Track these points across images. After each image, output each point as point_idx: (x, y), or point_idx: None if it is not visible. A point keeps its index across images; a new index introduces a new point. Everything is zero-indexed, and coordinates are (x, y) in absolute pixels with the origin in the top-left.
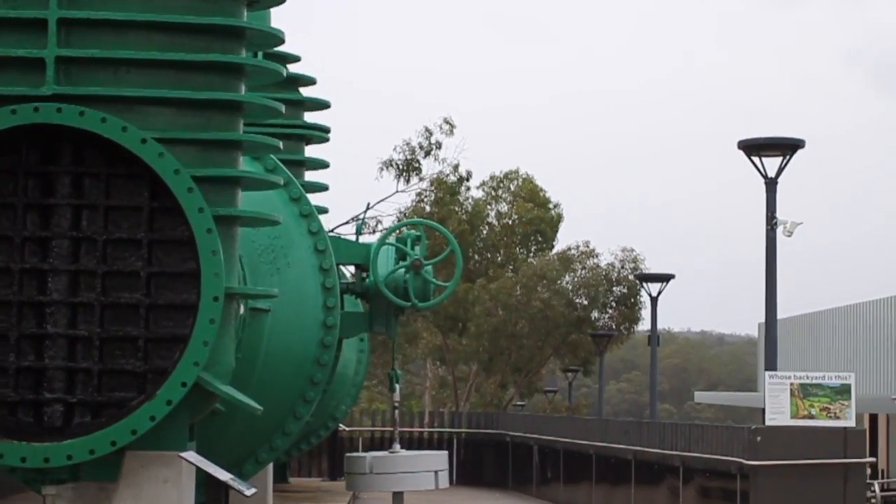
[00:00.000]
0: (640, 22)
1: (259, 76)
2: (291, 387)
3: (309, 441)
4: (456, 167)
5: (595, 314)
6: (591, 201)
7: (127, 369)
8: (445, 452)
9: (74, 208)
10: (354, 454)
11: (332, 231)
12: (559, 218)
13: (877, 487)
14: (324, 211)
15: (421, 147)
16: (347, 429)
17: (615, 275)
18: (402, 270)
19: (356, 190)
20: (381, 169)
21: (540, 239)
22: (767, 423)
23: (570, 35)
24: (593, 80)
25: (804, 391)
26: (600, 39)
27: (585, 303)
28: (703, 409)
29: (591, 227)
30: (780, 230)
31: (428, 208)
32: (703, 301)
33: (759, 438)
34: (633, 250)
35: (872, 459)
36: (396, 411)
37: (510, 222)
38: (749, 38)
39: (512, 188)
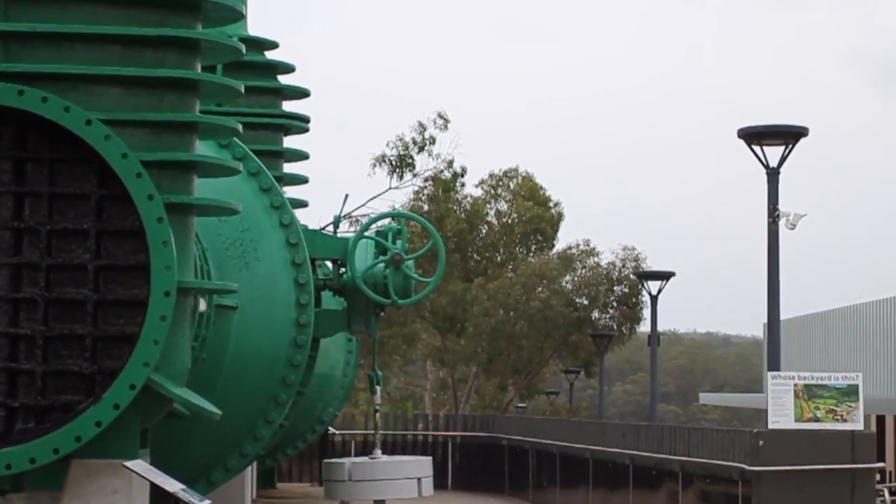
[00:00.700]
0: (641, 21)
1: (216, 53)
2: (262, 389)
3: (295, 445)
4: (450, 163)
5: (596, 314)
6: (592, 200)
7: (73, 370)
8: (429, 458)
9: (16, 196)
10: (333, 460)
11: (323, 229)
12: (559, 217)
13: (886, 493)
14: (303, 204)
15: (414, 142)
16: (338, 432)
17: (616, 274)
18: (382, 265)
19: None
20: (374, 165)
21: (540, 238)
22: (770, 426)
23: (568, 35)
24: (593, 80)
25: (809, 392)
26: (599, 39)
27: (586, 303)
28: (710, 411)
29: (591, 225)
30: (782, 223)
31: (426, 206)
32: (709, 302)
33: (761, 443)
34: (634, 249)
35: (882, 465)
36: (377, 414)
37: (510, 221)
38: (750, 37)
39: (511, 186)
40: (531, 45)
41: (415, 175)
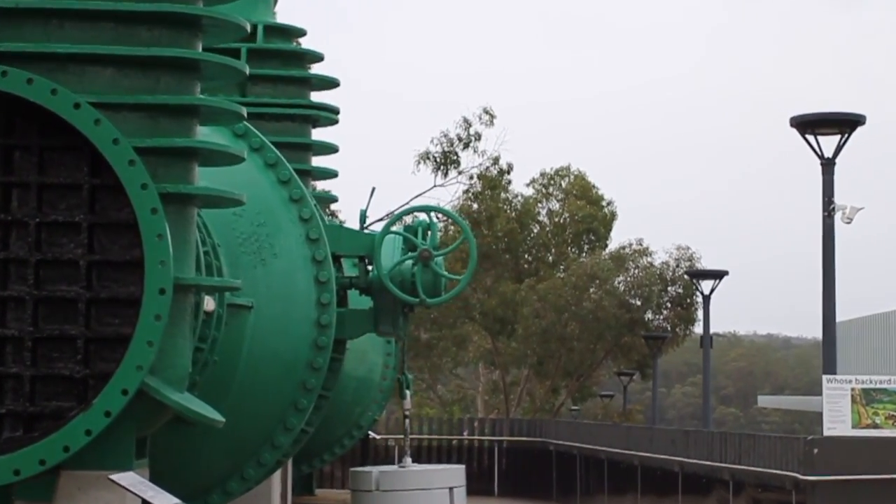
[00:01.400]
0: (691, 12)
1: (220, 32)
2: (280, 394)
3: (332, 451)
4: (496, 160)
5: (649, 315)
6: (645, 197)
7: (64, 375)
8: (462, 466)
9: (2, 186)
10: (359, 469)
11: (366, 227)
12: (612, 216)
13: None
14: (333, 199)
15: (459, 139)
16: (379, 436)
17: (670, 274)
18: (410, 262)
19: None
20: (418, 162)
21: (592, 238)
22: (826, 433)
23: (618, 27)
24: (643, 71)
25: (867, 397)
26: (646, 31)
27: (639, 303)
28: (770, 414)
29: (645, 224)
30: (838, 216)
31: (475, 205)
32: (767, 303)
33: (816, 450)
34: (688, 248)
35: None
36: (407, 420)
37: (561, 221)
38: (808, 32)
39: (563, 185)
40: (580, 37)
41: (459, 172)
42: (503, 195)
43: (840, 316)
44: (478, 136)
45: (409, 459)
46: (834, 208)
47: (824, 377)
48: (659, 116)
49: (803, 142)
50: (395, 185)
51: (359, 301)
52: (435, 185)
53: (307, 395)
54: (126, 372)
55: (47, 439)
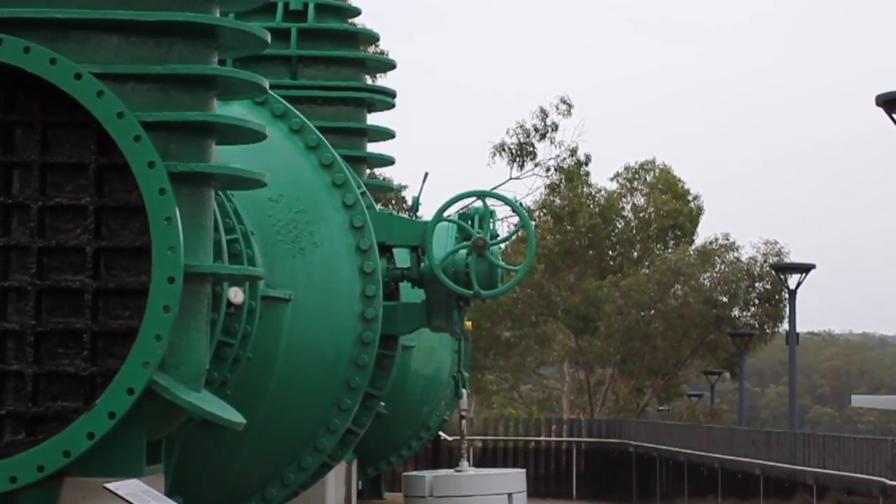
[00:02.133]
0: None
1: None
2: (322, 393)
3: (400, 453)
4: (573, 151)
5: (735, 312)
6: (731, 191)
7: (69, 372)
8: (522, 471)
9: (3, 167)
10: (413, 473)
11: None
12: (699, 210)
13: None
14: (390, 188)
15: (536, 129)
16: (451, 438)
17: (757, 269)
18: (464, 252)
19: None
20: (493, 154)
21: (678, 233)
22: None
23: (696, 20)
24: (727, 64)
25: None
26: (729, 23)
27: (725, 300)
28: (865, 414)
29: (731, 218)
30: None
31: (557, 200)
32: (862, 299)
33: None
34: (776, 242)
35: None
36: (464, 421)
37: (646, 216)
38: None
39: (648, 179)
40: (657, 36)
41: (536, 164)
42: (585, 190)
43: None
44: (555, 127)
45: (465, 463)
46: None
47: None
48: (744, 106)
49: (889, 118)
50: (473, 178)
51: (413, 294)
52: (511, 178)
53: (351, 395)
54: (132, 369)
55: (46, 443)
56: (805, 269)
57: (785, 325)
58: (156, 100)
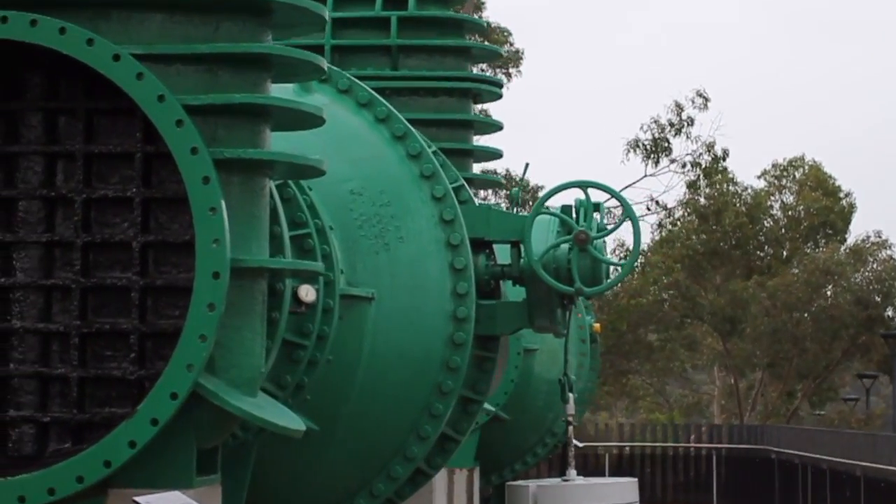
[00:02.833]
0: None
1: None
2: (411, 398)
3: (524, 461)
4: (710, 146)
5: (889, 312)
6: (885, 187)
7: (116, 376)
8: (634, 480)
9: (46, 158)
10: (516, 483)
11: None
12: (851, 208)
13: None
14: (498, 184)
15: (671, 124)
16: (581, 444)
17: None
18: (566, 247)
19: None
20: (627, 151)
21: (829, 231)
22: None
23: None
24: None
25: None
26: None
27: (878, 300)
28: None
29: (885, 216)
30: None
31: (702, 199)
32: None
33: None
34: None
35: None
36: (570, 427)
37: (795, 214)
38: None
39: (797, 177)
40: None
41: (672, 161)
42: (731, 188)
43: None
44: (690, 122)
45: (573, 472)
46: None
47: None
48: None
49: None
50: (606, 175)
51: (515, 293)
52: (646, 175)
53: (443, 400)
54: (175, 372)
55: (86, 452)
56: None
57: None
58: (203, 82)
